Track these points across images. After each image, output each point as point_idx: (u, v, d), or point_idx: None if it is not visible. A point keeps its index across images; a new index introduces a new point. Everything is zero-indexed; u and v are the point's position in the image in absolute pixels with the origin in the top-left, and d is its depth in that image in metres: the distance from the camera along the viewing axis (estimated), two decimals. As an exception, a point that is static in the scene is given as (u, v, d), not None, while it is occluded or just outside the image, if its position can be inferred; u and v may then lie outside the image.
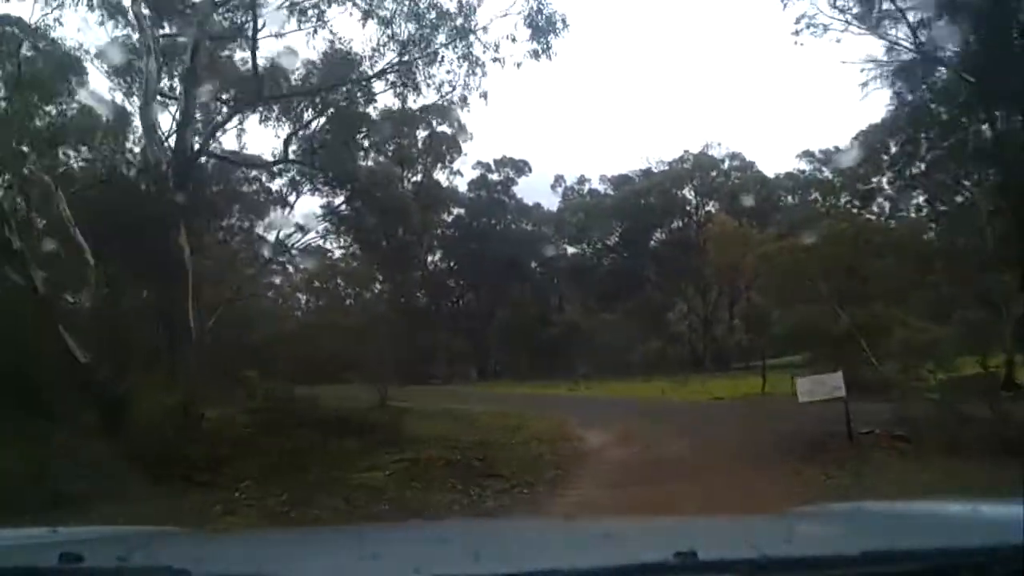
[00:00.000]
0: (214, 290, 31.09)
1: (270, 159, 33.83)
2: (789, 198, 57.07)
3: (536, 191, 66.10)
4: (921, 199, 38.30)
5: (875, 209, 40.44)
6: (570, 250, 67.54)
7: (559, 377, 48.72)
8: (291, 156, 31.82)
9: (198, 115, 24.44)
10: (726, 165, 62.21)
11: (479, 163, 63.13)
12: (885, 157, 35.03)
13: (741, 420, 22.38)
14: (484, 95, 25.24)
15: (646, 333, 58.19)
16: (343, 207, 41.46)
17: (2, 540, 2.79)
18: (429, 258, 66.92)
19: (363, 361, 63.71)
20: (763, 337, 33.44)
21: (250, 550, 3.08)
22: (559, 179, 67.58)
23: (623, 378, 46.33)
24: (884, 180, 37.84)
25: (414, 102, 28.37)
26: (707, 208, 62.80)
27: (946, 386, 20.07)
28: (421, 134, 61.36)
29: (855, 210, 37.14)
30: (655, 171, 63.63)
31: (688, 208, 64.27)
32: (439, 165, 61.09)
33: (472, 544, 2.58)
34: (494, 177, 64.30)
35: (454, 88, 25.34)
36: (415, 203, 62.93)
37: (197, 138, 23.25)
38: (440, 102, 28.36)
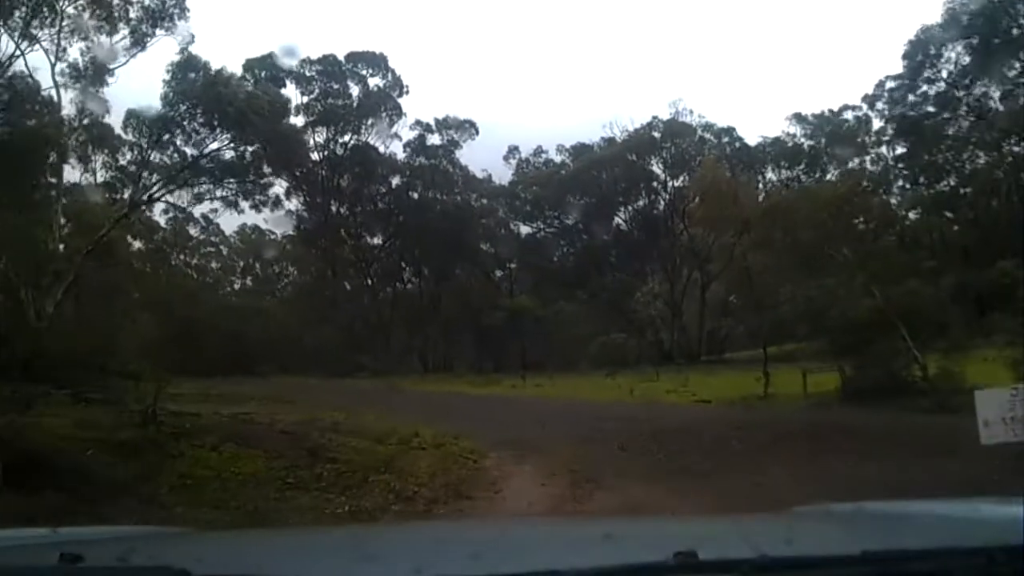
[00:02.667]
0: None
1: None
2: (771, 172, 50.07)
3: (487, 163, 58.38)
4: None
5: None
6: (524, 229, 60.32)
7: (510, 370, 43.37)
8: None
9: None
10: (698, 136, 54.67)
11: (418, 123, 55.61)
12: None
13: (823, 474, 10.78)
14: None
15: (608, 322, 52.73)
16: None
17: (2, 540, 2.74)
18: (375, 239, 59.48)
19: (273, 351, 57.61)
20: (761, 320, 26.22)
21: (250, 550, 2.96)
22: (513, 150, 60.40)
23: (581, 372, 40.74)
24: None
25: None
26: (677, 183, 55.61)
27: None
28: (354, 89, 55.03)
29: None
30: (619, 140, 56.36)
31: (656, 184, 56.99)
32: (370, 121, 53.79)
33: (472, 544, 2.60)
34: (435, 140, 56.69)
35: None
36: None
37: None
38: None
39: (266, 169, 40.40)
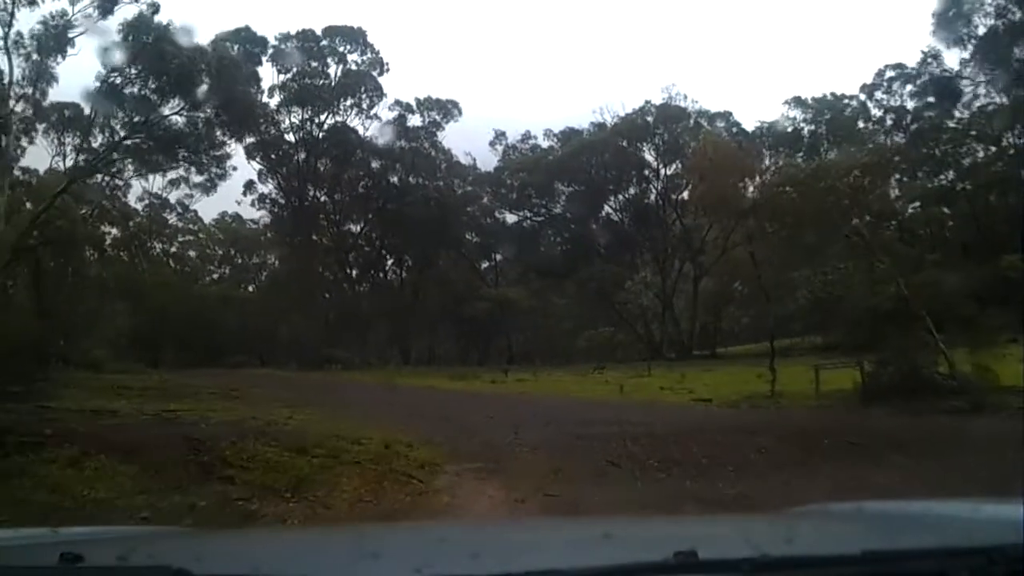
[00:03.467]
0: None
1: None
2: (769, 159, 47.69)
3: (473, 150, 55.83)
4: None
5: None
6: (510, 218, 57.85)
7: (495, 364, 41.80)
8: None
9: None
10: (693, 121, 52.17)
11: (398, 103, 52.98)
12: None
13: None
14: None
15: (597, 315, 51.24)
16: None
17: (2, 540, 2.80)
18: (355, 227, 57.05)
19: (249, 342, 55.52)
20: (769, 310, 23.83)
21: (250, 550, 2.96)
22: (499, 136, 57.88)
23: (569, 367, 38.25)
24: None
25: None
26: (670, 171, 53.27)
27: None
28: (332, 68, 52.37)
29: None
30: (609, 126, 53.92)
31: (647, 172, 54.60)
32: (348, 102, 51.29)
33: (472, 544, 2.60)
34: (416, 122, 54.04)
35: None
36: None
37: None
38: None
39: (221, 138, 37.24)
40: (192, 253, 64.29)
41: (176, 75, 29.02)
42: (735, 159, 31.36)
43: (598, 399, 22.15)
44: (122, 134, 32.77)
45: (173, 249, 62.32)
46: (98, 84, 30.99)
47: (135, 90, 30.39)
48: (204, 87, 30.49)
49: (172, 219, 59.23)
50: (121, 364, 41.91)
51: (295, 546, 2.97)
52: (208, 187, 40.92)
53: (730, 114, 52.27)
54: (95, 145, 33.66)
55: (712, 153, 34.13)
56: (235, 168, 45.01)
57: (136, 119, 31.69)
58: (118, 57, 30.19)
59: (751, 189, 26.13)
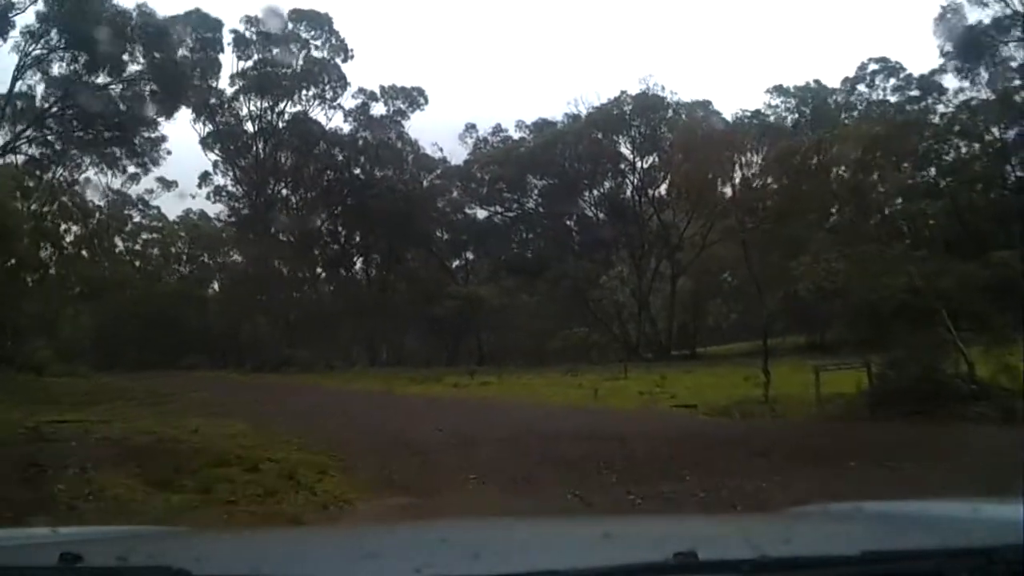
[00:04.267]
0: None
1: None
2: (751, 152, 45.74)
3: (443, 143, 53.46)
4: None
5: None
6: (481, 213, 55.37)
7: (465, 365, 39.20)
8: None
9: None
10: (671, 112, 49.82)
11: (361, 91, 50.36)
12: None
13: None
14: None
15: (571, 314, 49.04)
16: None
17: (2, 540, 2.77)
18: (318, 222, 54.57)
19: (209, 343, 53.21)
20: (763, 304, 21.48)
21: (250, 550, 2.93)
22: (470, 128, 55.53)
23: (541, 368, 35.77)
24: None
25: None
26: (646, 164, 51.12)
27: None
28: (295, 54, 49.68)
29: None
30: (584, 116, 51.64)
31: (623, 166, 52.39)
32: (311, 91, 48.78)
33: (472, 544, 2.53)
34: (380, 111, 51.42)
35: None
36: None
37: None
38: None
39: (152, 116, 34.12)
40: (156, 251, 62.16)
41: (95, 40, 26.01)
42: (717, 145, 29.01)
43: (569, 405, 19.54)
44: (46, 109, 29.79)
45: (137, 247, 60.94)
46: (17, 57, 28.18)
47: (59, 65, 27.43)
48: (137, 59, 27.47)
49: (136, 216, 58.35)
50: (71, 366, 40.27)
51: (295, 546, 2.92)
52: (115, 162, 37.57)
53: (709, 103, 50.09)
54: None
55: (697, 129, 31.66)
56: (169, 152, 42.98)
57: (53, 95, 28.73)
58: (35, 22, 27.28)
59: (737, 173, 23.98)
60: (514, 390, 24.62)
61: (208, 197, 53.28)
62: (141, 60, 29.00)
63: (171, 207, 62.83)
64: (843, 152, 16.53)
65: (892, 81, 48.52)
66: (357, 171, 51.88)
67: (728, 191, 26.07)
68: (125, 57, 28.23)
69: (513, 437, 12.40)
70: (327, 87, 51.01)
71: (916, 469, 8.82)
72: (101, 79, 29.10)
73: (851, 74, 48.79)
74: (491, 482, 9.45)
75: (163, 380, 30.00)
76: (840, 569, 1.89)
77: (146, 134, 35.27)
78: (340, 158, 51.60)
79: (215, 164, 51.23)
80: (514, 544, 2.68)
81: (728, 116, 48.72)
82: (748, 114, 46.82)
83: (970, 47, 42.70)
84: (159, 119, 34.79)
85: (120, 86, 30.07)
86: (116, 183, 50.41)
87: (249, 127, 51.33)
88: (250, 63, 49.87)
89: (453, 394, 24.37)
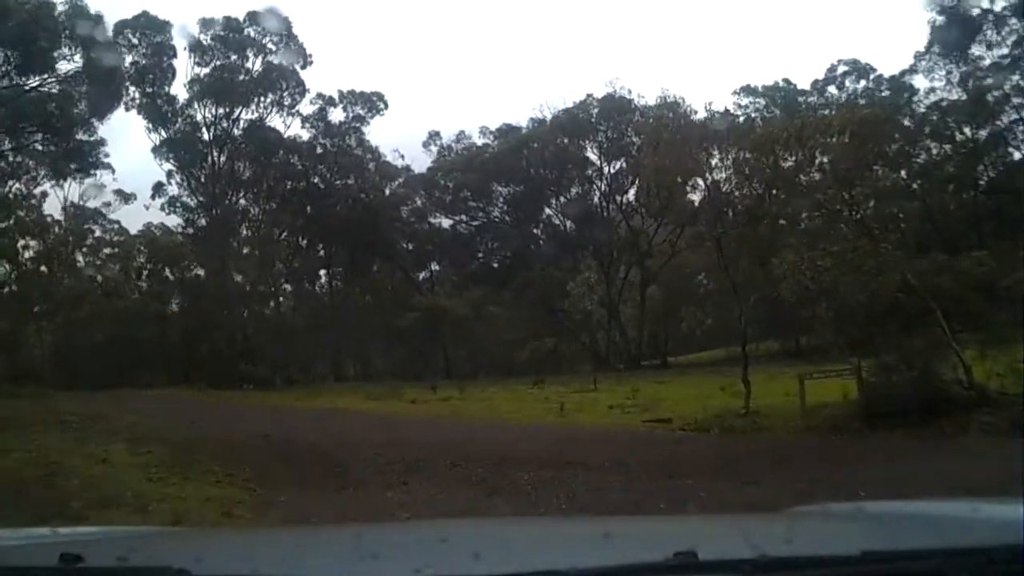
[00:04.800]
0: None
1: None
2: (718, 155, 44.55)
3: (406, 150, 51.96)
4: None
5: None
6: (445, 222, 53.85)
7: (432, 379, 36.88)
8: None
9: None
10: (637, 116, 48.43)
11: (319, 95, 48.57)
12: None
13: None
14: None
15: (541, 325, 47.08)
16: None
17: (2, 540, 2.74)
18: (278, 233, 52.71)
19: (168, 360, 51.29)
20: (740, 307, 19.98)
21: (250, 550, 2.92)
22: (434, 135, 53.86)
23: (509, 380, 34.25)
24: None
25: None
26: (615, 168, 49.90)
27: None
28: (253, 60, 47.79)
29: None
30: (549, 121, 50.28)
31: (590, 172, 51.14)
32: (269, 98, 46.99)
33: (472, 544, 2.53)
34: (339, 117, 49.72)
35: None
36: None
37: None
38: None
39: (85, 115, 31.97)
40: (116, 267, 60.32)
41: (13, 36, 24.13)
42: (687, 144, 27.57)
43: (532, 422, 17.83)
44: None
45: (99, 262, 57.97)
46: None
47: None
48: (68, 56, 25.59)
49: (97, 231, 56.01)
50: (17, 386, 38.41)
51: (295, 546, 2.88)
52: (55, 170, 35.62)
53: (677, 104, 48.75)
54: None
55: (660, 139, 30.06)
56: (107, 155, 41.21)
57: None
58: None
59: (711, 169, 22.69)
60: (474, 406, 22.86)
61: (162, 208, 51.15)
62: (76, 59, 27.14)
63: (134, 220, 60.97)
64: (828, 139, 15.22)
65: (863, 83, 47.91)
66: (316, 180, 49.97)
67: (699, 192, 24.89)
68: (56, 54, 26.32)
69: (463, 461, 10.78)
70: (285, 93, 49.17)
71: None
72: (32, 79, 27.15)
73: (820, 76, 48.27)
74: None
75: (110, 400, 28.04)
76: (840, 569, 1.88)
77: (82, 136, 33.19)
78: (299, 167, 49.69)
79: (169, 174, 49.17)
80: (514, 544, 2.66)
81: (696, 117, 47.88)
82: (717, 115, 45.88)
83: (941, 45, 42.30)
84: (94, 121, 32.72)
85: (51, 86, 28.04)
86: (74, 195, 49.37)
87: (205, 135, 49.28)
88: (207, 69, 47.92)
89: (409, 411, 22.49)
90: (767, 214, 23.01)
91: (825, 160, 15.94)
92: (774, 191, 21.45)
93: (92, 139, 34.43)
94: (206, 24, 46.39)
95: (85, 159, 35.93)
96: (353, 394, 30.33)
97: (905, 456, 10.38)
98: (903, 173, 42.28)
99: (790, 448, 12.00)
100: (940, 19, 40.98)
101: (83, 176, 40.03)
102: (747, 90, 46.35)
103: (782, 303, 21.04)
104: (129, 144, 75.78)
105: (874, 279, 13.60)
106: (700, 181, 22.59)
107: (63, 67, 27.69)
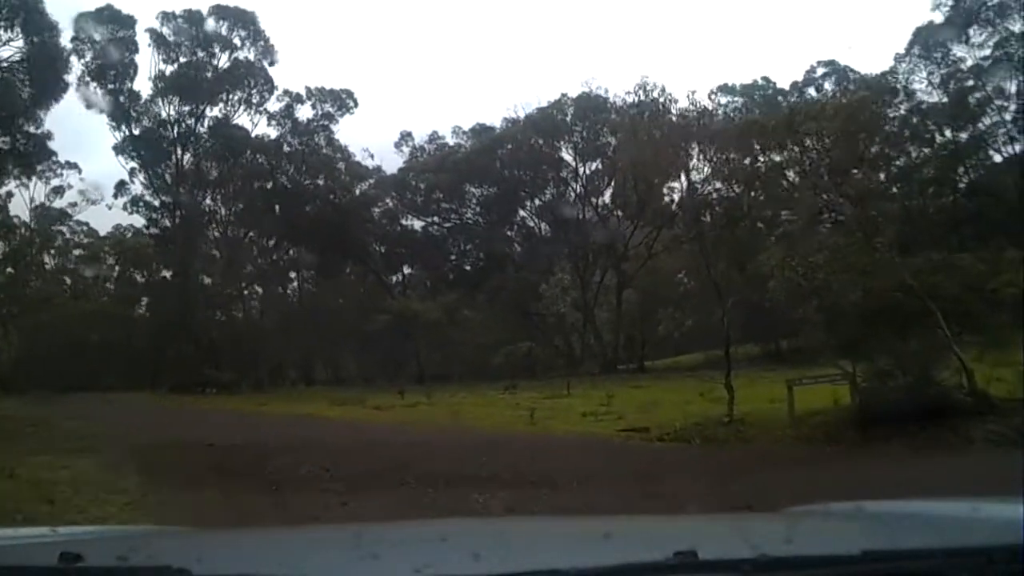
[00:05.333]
0: None
1: None
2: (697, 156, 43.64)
3: (378, 152, 50.57)
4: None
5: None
6: (418, 224, 52.62)
7: (405, 384, 35.96)
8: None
9: None
10: (613, 115, 47.29)
11: (286, 92, 47.16)
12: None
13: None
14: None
15: (515, 329, 46.22)
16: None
17: (2, 540, 2.73)
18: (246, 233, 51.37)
19: (134, 363, 49.89)
20: (722, 308, 18.81)
21: (250, 550, 2.88)
22: (406, 136, 52.75)
23: (482, 385, 33.00)
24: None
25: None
26: (591, 169, 49.00)
27: None
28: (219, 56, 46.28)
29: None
30: (522, 120, 49.23)
31: (565, 174, 50.14)
32: (236, 96, 45.63)
33: (472, 544, 2.53)
34: (307, 114, 48.38)
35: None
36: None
37: None
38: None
39: (29, 106, 30.12)
40: (84, 269, 59.25)
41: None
42: (665, 141, 26.41)
43: (499, 431, 16.48)
44: None
45: (69, 265, 58.16)
46: None
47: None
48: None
49: (66, 232, 55.64)
50: None
51: (295, 546, 2.87)
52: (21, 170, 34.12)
53: (656, 99, 47.71)
54: None
55: (638, 138, 28.76)
56: (54, 152, 39.86)
57: None
58: None
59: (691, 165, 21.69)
60: (441, 412, 21.43)
61: (125, 208, 49.60)
62: (16, 43, 25.54)
63: (107, 221, 59.56)
64: (821, 124, 14.19)
65: (843, 85, 47.28)
66: (284, 179, 48.57)
67: (677, 193, 24.00)
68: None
69: (415, 479, 9.48)
70: (253, 91, 47.70)
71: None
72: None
73: (799, 78, 47.66)
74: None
75: (64, 404, 27.36)
76: (840, 569, 1.88)
77: (28, 128, 31.48)
78: (266, 165, 48.22)
79: (132, 172, 47.64)
80: (514, 544, 2.63)
81: (678, 107, 46.91)
82: (694, 113, 44.97)
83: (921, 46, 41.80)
84: (38, 111, 30.99)
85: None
86: (40, 195, 48.85)
87: (170, 133, 47.73)
88: (172, 65, 46.44)
89: (372, 418, 21.07)
90: (746, 216, 22.14)
91: (815, 148, 14.88)
92: (752, 192, 20.69)
93: (39, 132, 32.76)
94: (166, 18, 44.88)
95: (30, 155, 34.12)
96: (318, 399, 29.03)
97: (909, 470, 9.27)
98: (882, 176, 41.88)
99: (781, 461, 10.79)
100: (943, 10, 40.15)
101: (29, 172, 38.38)
102: (725, 89, 45.55)
103: (762, 305, 20.09)
104: (100, 145, 73.91)
105: (869, 277, 12.56)
106: (678, 181, 21.42)
107: (2, 53, 26.17)
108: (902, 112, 42.78)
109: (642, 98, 41.69)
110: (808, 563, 1.95)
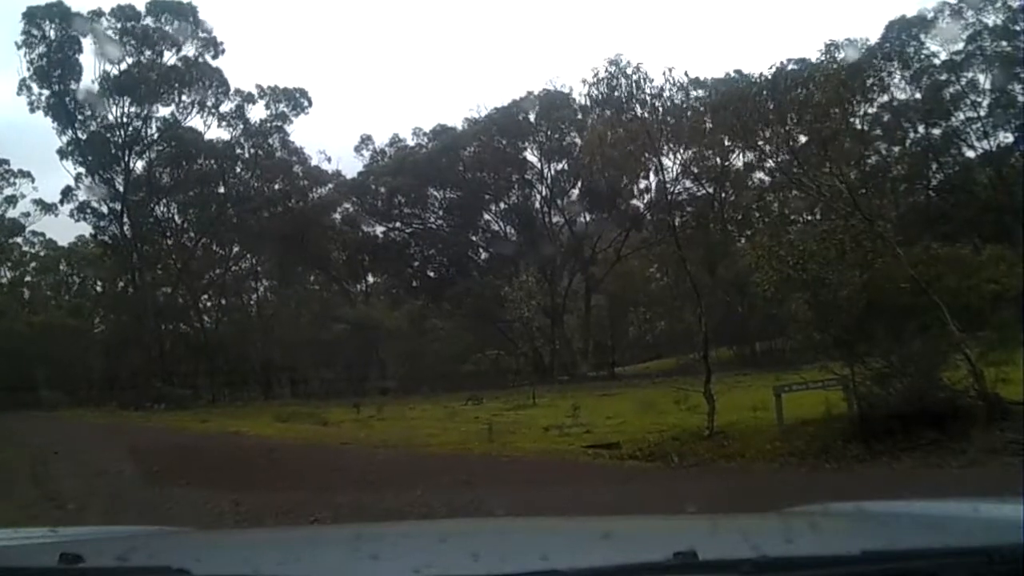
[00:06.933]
0: None
1: None
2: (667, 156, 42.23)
3: (338, 156, 49.00)
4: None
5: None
6: (379, 230, 50.80)
7: (368, 396, 34.40)
8: None
9: None
10: (578, 115, 45.63)
11: (237, 91, 45.10)
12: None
13: None
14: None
15: (483, 337, 45.34)
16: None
17: (2, 540, 2.74)
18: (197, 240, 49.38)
19: (89, 377, 47.75)
20: (699, 309, 17.21)
21: (250, 550, 2.86)
22: (366, 140, 50.98)
23: (445, 396, 31.28)
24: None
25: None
26: (556, 169, 47.46)
27: None
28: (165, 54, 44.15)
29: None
30: (483, 118, 47.66)
31: (530, 176, 48.64)
32: (189, 95, 43.61)
33: (472, 544, 2.55)
34: (260, 114, 46.32)
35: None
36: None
37: None
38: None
39: None
40: (44, 283, 58.48)
41: None
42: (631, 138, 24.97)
43: (451, 450, 14.46)
44: None
45: (28, 278, 57.35)
46: None
47: None
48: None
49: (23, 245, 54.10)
50: None
51: (295, 546, 2.88)
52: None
53: (622, 99, 46.30)
54: None
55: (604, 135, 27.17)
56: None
57: None
58: None
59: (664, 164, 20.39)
60: (394, 428, 19.33)
61: (71, 215, 47.33)
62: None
63: (67, 233, 57.53)
64: (808, 89, 12.81)
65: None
66: (237, 183, 46.53)
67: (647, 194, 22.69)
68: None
69: (334, 519, 7.75)
70: (209, 92, 45.54)
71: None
72: None
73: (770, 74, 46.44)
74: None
75: None
76: (840, 569, 1.88)
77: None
78: (220, 170, 46.13)
79: (78, 177, 45.47)
80: (513, 544, 2.62)
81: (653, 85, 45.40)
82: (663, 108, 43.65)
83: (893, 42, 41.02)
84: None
85: None
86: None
87: (117, 136, 45.53)
88: (117, 63, 44.29)
89: (315, 436, 18.67)
90: (717, 217, 20.73)
91: (802, 121, 13.47)
92: (723, 193, 19.46)
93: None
94: (99, 15, 42.80)
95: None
96: (266, 414, 27.03)
97: (928, 491, 7.75)
98: (853, 175, 40.94)
99: (776, 484, 9.07)
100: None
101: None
102: (696, 83, 44.25)
103: (734, 307, 18.67)
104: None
105: (868, 267, 11.09)
106: (646, 180, 19.91)
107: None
108: (873, 109, 42.10)
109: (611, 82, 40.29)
110: (808, 563, 1.90)
